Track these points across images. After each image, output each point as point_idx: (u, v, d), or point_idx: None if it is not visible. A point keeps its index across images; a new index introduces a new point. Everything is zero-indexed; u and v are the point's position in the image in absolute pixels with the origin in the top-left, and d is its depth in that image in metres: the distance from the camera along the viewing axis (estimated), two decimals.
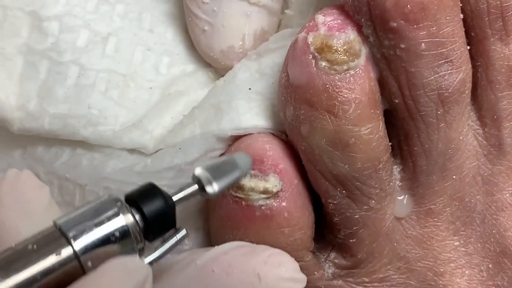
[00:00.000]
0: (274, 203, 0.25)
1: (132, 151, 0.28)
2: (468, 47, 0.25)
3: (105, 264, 0.20)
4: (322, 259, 0.27)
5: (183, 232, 0.23)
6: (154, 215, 0.22)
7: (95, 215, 0.21)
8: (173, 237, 0.23)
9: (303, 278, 0.24)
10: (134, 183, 0.27)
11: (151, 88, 0.29)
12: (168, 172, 0.27)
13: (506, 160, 0.27)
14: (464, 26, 0.25)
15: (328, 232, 0.27)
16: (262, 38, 0.29)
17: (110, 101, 0.28)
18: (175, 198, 0.23)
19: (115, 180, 0.27)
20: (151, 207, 0.22)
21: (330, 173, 0.25)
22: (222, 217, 0.26)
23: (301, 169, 0.26)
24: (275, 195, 0.25)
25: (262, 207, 0.25)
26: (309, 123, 0.25)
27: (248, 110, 0.27)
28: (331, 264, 0.27)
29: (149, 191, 0.22)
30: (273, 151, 0.26)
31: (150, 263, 0.22)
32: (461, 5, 0.24)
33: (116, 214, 0.21)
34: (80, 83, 0.28)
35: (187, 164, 0.27)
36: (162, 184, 0.27)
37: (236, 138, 0.27)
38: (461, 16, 0.25)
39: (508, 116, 0.26)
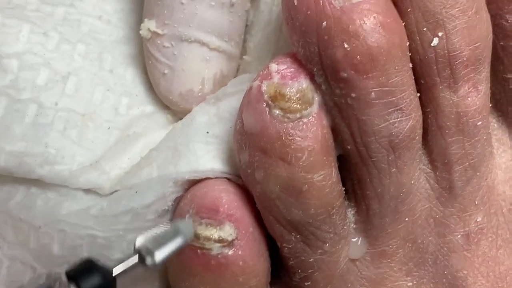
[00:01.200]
0: (229, 251, 0.25)
1: (87, 191, 0.28)
2: (418, 94, 0.26)
3: None
4: None
5: None
6: None
7: None
8: None
9: None
10: (90, 227, 0.27)
11: (109, 128, 0.29)
12: (125, 216, 0.27)
13: (457, 202, 0.27)
14: (414, 74, 0.25)
15: (284, 274, 0.28)
16: (222, 83, 0.29)
17: (68, 141, 0.28)
18: (114, 272, 0.23)
19: (70, 224, 0.27)
20: (89, 284, 0.22)
21: (285, 218, 0.26)
22: (179, 265, 0.26)
23: (257, 214, 0.26)
24: (230, 243, 0.25)
25: (218, 256, 0.25)
26: (263, 170, 0.25)
27: (205, 153, 0.27)
28: None
29: (88, 267, 0.22)
30: (229, 199, 0.26)
31: None
32: (410, 54, 0.25)
33: None
34: (38, 121, 0.28)
35: (144, 208, 0.27)
36: (119, 228, 0.27)
37: (193, 182, 0.27)
38: (410, 65, 0.25)
39: (459, 160, 0.27)
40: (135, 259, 0.23)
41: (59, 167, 0.27)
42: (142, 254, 0.23)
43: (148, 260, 0.23)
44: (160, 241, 0.23)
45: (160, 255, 0.23)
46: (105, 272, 0.22)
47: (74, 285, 0.22)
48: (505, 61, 0.28)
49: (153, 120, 0.30)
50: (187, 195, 0.26)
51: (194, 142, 0.27)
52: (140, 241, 0.23)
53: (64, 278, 0.22)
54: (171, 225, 0.24)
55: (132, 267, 0.23)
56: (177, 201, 0.27)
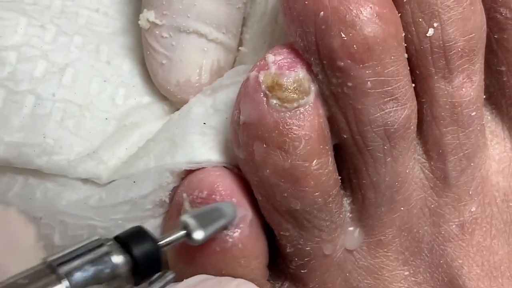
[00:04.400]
0: (228, 235, 0.26)
1: (85, 181, 0.28)
2: (413, 85, 0.26)
3: None
4: None
5: (171, 275, 0.23)
6: (144, 257, 0.22)
7: (87, 254, 0.22)
8: (159, 280, 0.23)
9: None
10: (89, 218, 0.27)
11: (106, 119, 0.29)
12: (123, 206, 0.27)
13: (452, 192, 0.28)
14: (409, 65, 0.26)
15: (281, 262, 0.28)
16: (218, 74, 0.29)
17: (65, 131, 0.28)
18: (161, 242, 0.24)
19: (70, 214, 0.27)
20: (140, 249, 0.22)
21: (282, 207, 0.26)
22: (179, 252, 0.26)
23: (253, 200, 0.27)
24: None
25: (217, 240, 0.26)
26: (261, 159, 0.25)
27: (202, 144, 0.27)
28: None
29: (138, 234, 0.23)
30: (225, 184, 0.26)
31: None
32: (405, 44, 0.25)
33: (108, 254, 0.22)
34: (36, 112, 0.28)
35: (141, 198, 0.27)
36: (118, 217, 0.27)
37: (189, 172, 0.27)
38: (406, 55, 0.25)
39: (453, 151, 0.27)
40: (182, 233, 0.24)
41: (57, 157, 0.28)
42: (189, 230, 0.24)
43: (195, 236, 0.24)
44: (205, 219, 0.24)
45: (206, 232, 0.24)
46: (154, 240, 0.23)
47: (123, 248, 0.22)
48: (499, 54, 0.28)
49: (150, 110, 0.30)
50: (184, 182, 0.27)
51: (190, 133, 0.27)
52: (186, 217, 0.24)
53: (114, 242, 0.22)
54: (215, 206, 0.25)
55: (178, 239, 0.24)
56: (175, 191, 0.27)
